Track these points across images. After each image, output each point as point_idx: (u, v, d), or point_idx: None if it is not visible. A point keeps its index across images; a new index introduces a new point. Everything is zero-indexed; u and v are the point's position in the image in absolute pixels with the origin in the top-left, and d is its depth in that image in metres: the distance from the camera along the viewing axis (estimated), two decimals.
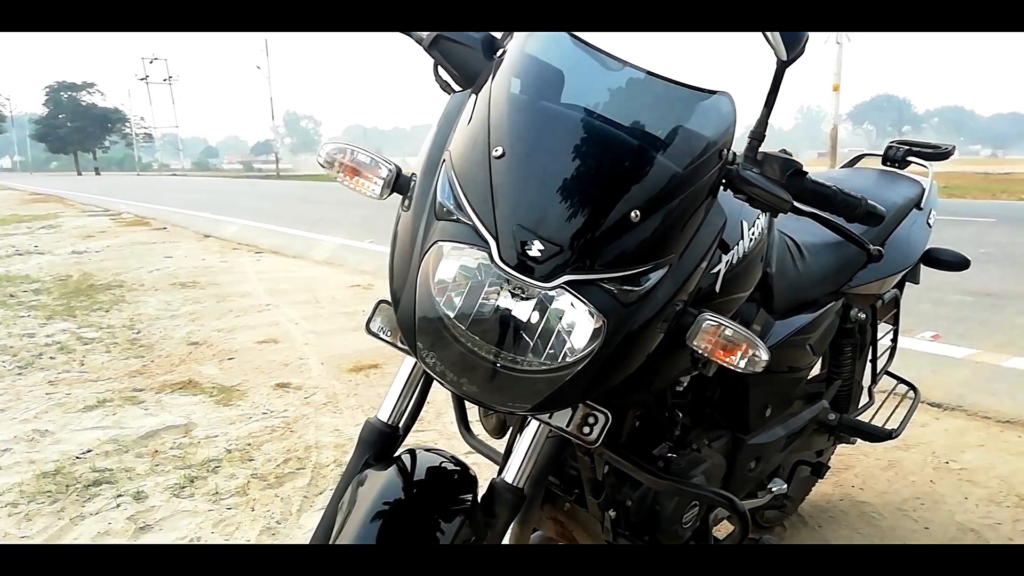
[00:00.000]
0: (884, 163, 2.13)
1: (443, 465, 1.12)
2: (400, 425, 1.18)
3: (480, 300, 0.90)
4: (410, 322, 0.95)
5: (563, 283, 0.88)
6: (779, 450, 1.67)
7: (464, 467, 1.14)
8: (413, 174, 1.05)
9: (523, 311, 0.90)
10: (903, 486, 2.49)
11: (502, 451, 1.66)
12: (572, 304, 0.90)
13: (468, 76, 1.12)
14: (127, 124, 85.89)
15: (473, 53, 1.11)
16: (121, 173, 78.65)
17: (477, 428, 1.63)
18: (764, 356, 0.98)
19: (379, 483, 1.04)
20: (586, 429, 1.04)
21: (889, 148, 2.11)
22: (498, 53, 1.08)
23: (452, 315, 0.92)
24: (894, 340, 2.19)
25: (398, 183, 1.04)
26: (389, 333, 1.14)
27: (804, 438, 1.78)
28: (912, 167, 2.10)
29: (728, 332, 0.98)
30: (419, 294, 0.94)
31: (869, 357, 2.05)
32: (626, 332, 0.92)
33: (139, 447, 2.76)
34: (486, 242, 0.90)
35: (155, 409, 3.19)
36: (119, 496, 2.35)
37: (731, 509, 1.24)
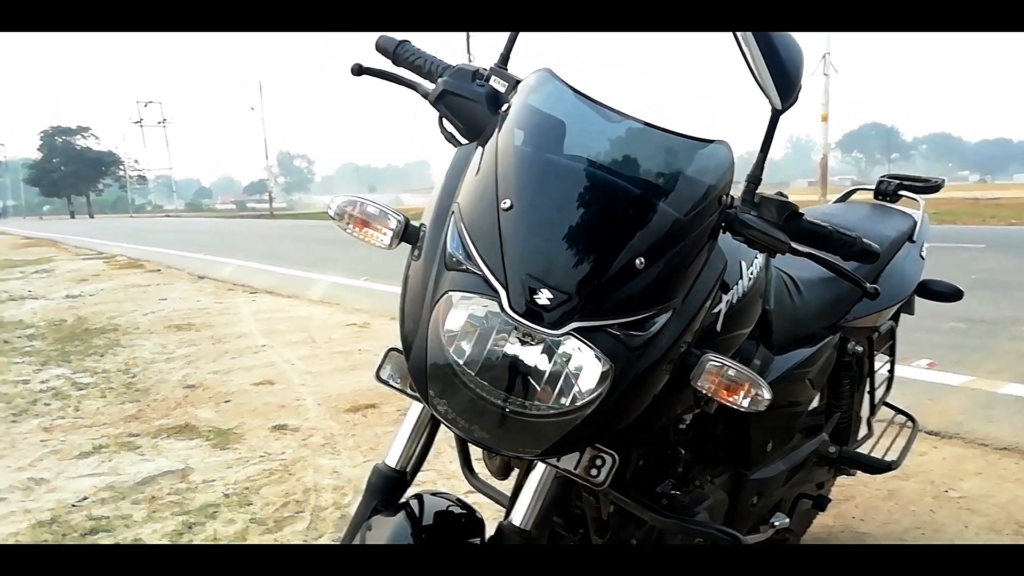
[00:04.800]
0: (876, 197, 2.16)
1: (450, 509, 1.12)
2: (408, 470, 1.18)
3: (489, 347, 0.92)
4: (421, 369, 0.97)
5: (571, 330, 0.90)
6: (780, 484, 1.67)
7: (471, 510, 1.14)
8: (422, 224, 1.07)
9: (532, 357, 0.91)
10: (903, 516, 2.49)
11: (504, 491, 1.65)
12: (580, 349, 0.91)
13: (473, 129, 1.15)
14: (121, 167, 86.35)
15: (477, 107, 1.15)
16: (115, 215, 78.78)
17: (479, 467, 1.63)
18: (767, 395, 0.99)
19: (388, 529, 1.04)
20: (594, 471, 1.04)
21: (880, 182, 2.15)
22: (503, 108, 1.11)
23: (462, 362, 0.93)
24: (891, 371, 2.20)
25: (406, 233, 1.06)
26: (399, 380, 1.15)
27: (805, 471, 1.78)
28: (903, 200, 2.14)
29: (731, 372, 1.00)
30: (430, 342, 0.95)
31: (867, 389, 2.06)
32: (633, 375, 0.94)
33: (136, 493, 2.74)
34: (495, 291, 0.92)
35: (151, 454, 3.17)
36: None
37: (734, 545, 1.24)
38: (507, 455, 1.09)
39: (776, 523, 1.71)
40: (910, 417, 2.17)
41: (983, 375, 3.88)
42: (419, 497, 1.12)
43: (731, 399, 1.00)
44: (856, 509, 2.53)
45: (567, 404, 0.92)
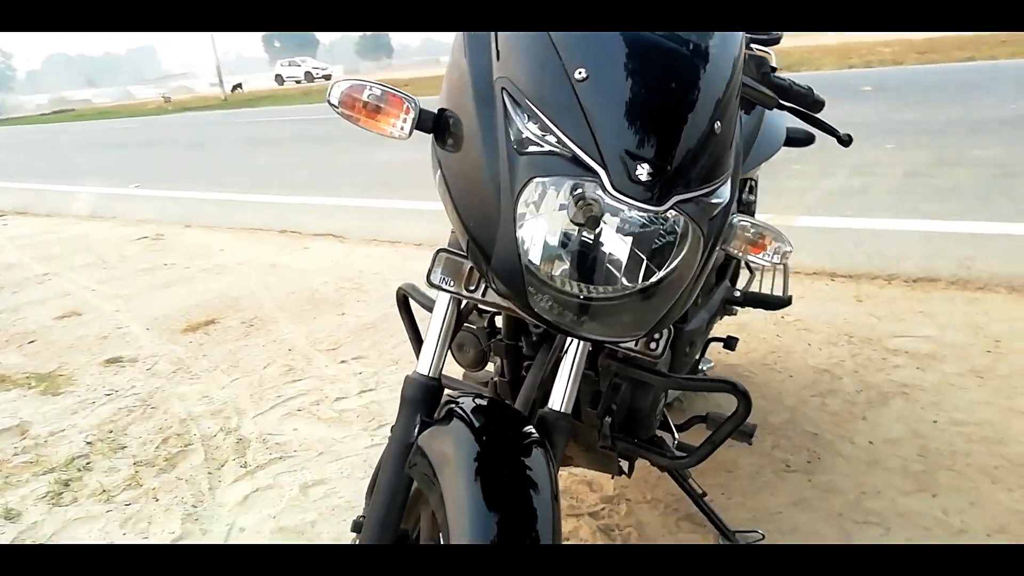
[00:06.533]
0: None
1: (492, 408, 1.08)
2: (440, 376, 1.12)
3: (591, 232, 0.86)
4: (514, 267, 0.89)
5: (673, 204, 0.86)
6: (702, 333, 1.81)
7: (507, 406, 1.11)
8: (443, 109, 0.96)
9: (636, 237, 0.86)
10: (757, 344, 2.82)
11: (467, 382, 1.63)
12: (681, 223, 0.88)
13: None
14: None
15: None
16: None
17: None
18: (789, 247, 1.05)
19: (450, 439, 0.98)
20: (652, 345, 1.06)
21: None
22: None
23: (562, 252, 0.87)
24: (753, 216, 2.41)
25: (421, 120, 0.95)
26: (453, 283, 1.05)
27: (716, 317, 1.94)
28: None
29: (755, 230, 1.03)
30: (521, 236, 0.88)
31: None
32: (712, 244, 0.94)
33: None
34: (590, 171, 0.85)
35: None
36: None
37: (734, 391, 1.32)
38: (610, 342, 1.04)
39: (704, 368, 1.86)
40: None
41: (778, 212, 4.38)
42: (456, 403, 1.07)
43: (759, 255, 1.04)
44: (718, 344, 2.81)
45: (671, 279, 0.90)
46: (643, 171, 0.84)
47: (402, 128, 0.93)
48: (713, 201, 0.91)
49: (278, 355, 3.07)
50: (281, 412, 2.54)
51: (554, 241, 0.87)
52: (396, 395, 2.74)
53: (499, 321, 1.46)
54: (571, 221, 0.87)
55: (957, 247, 3.58)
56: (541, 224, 0.87)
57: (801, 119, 1.24)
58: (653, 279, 0.89)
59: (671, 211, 0.87)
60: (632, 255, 0.87)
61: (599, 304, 0.89)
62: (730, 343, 2.03)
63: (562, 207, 0.86)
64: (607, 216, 0.85)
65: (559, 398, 1.09)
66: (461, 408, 1.05)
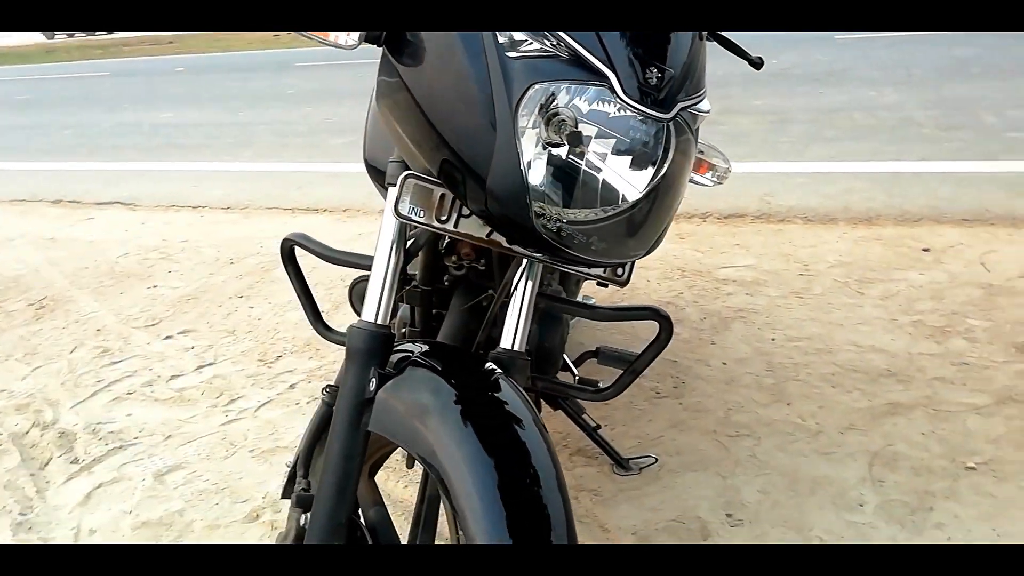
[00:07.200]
0: None
1: (450, 353, 1.00)
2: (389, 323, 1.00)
3: (601, 142, 0.78)
4: (516, 187, 0.79)
5: (679, 111, 0.81)
6: None
7: (458, 348, 1.03)
8: None
9: (637, 148, 0.80)
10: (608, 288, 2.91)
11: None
12: (682, 132, 0.83)
13: None
14: None
15: None
16: None
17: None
18: (729, 166, 1.05)
19: (436, 390, 0.88)
20: (620, 271, 1.02)
21: None
22: None
23: (568, 166, 0.79)
24: None
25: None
26: (423, 213, 0.92)
27: None
28: None
29: (700, 150, 1.03)
30: (523, 149, 0.78)
31: None
32: (694, 154, 0.90)
33: None
34: (596, 75, 0.77)
35: None
36: None
37: (657, 317, 1.33)
38: (612, 264, 0.99)
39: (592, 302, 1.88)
40: None
41: None
42: (405, 350, 0.97)
43: (704, 176, 1.04)
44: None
45: (669, 190, 0.85)
46: (653, 75, 0.78)
47: (348, 35, 0.81)
48: (700, 111, 0.88)
49: (86, 336, 2.69)
50: (106, 398, 2.23)
51: (563, 153, 0.79)
52: (239, 368, 2.52)
53: (410, 268, 1.36)
54: (544, 143, 0.80)
55: (756, 186, 3.92)
56: (544, 133, 0.78)
57: (717, 41, 1.24)
58: (656, 189, 0.84)
59: (677, 120, 0.82)
60: (636, 166, 0.81)
61: (609, 222, 0.83)
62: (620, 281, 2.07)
63: (535, 125, 0.78)
64: (598, 128, 0.78)
65: (508, 337, 1.02)
66: (417, 356, 0.96)
